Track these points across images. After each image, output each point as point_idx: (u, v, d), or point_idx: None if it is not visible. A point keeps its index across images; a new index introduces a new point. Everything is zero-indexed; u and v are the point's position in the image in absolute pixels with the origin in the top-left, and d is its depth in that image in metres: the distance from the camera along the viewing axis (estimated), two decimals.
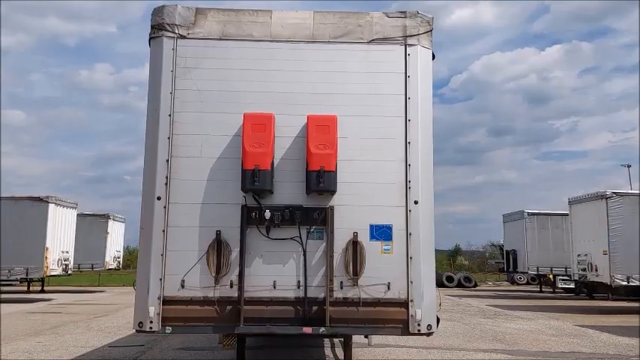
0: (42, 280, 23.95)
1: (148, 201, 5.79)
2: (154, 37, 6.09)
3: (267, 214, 5.69)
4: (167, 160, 5.83)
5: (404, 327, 5.65)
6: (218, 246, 5.71)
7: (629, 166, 43.97)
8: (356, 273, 5.70)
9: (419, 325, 5.62)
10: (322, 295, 5.67)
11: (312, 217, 5.76)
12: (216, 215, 5.78)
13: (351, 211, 5.82)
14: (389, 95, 6.04)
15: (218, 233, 5.73)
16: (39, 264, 21.53)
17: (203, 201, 5.81)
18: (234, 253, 5.72)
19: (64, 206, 23.00)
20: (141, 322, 5.56)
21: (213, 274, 5.66)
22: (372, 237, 5.80)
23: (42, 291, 25.37)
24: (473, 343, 10.47)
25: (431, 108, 6.11)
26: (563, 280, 27.46)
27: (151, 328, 5.53)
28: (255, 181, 5.56)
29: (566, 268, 25.72)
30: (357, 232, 5.78)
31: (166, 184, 5.79)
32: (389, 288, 5.71)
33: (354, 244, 5.75)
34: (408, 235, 5.79)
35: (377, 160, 5.92)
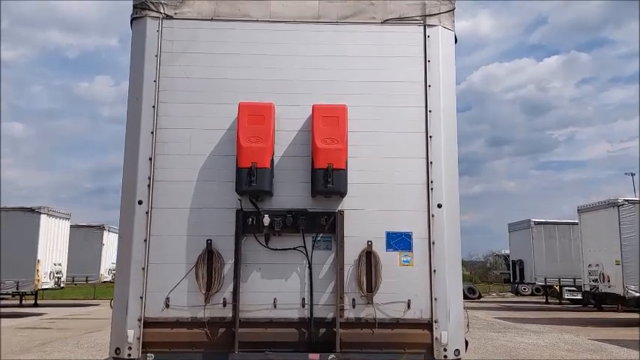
0: (35, 294, 23.33)
1: (128, 206, 5.01)
2: (136, 18, 5.31)
3: (266, 219, 4.89)
4: (150, 159, 5.04)
5: (427, 352, 4.84)
6: (209, 258, 4.92)
7: (632, 175, 43.43)
8: (370, 289, 4.90)
9: (445, 350, 4.80)
10: (331, 315, 4.87)
11: (319, 224, 4.97)
12: (207, 222, 5.00)
13: (364, 217, 5.03)
14: (406, 83, 5.27)
15: (209, 243, 4.94)
16: (30, 277, 21.09)
17: (192, 205, 5.02)
18: (228, 266, 4.93)
19: (56, 217, 22.45)
20: (118, 349, 4.74)
21: (203, 291, 4.86)
22: (389, 247, 5.00)
23: (35, 305, 24.89)
24: None
25: (454, 97, 5.34)
26: (569, 290, 27.04)
27: (129, 355, 4.71)
28: (252, 182, 4.76)
29: (574, 278, 25.56)
30: (371, 241, 4.97)
31: (149, 185, 5.01)
32: (409, 306, 4.90)
33: (368, 255, 4.95)
34: (430, 244, 4.99)
35: (393, 157, 5.14)
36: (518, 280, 29.72)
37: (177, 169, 5.07)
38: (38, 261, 21.10)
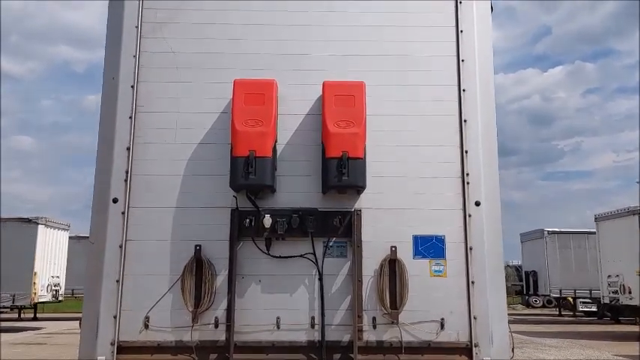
0: (34, 307, 22.70)
1: (100, 204, 4.20)
2: None
3: (267, 221, 4.05)
4: (128, 148, 4.23)
5: None
6: (197, 267, 4.09)
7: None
8: (395, 305, 4.04)
9: None
10: (347, 338, 4.03)
11: (332, 226, 4.14)
12: (196, 224, 4.19)
13: (387, 217, 4.19)
14: (435, 57, 4.46)
15: (198, 249, 4.11)
16: (26, 290, 20.40)
17: (177, 204, 4.20)
18: (221, 278, 4.11)
19: (54, 228, 21.74)
20: None
21: (191, 309, 4.02)
22: (417, 253, 4.14)
23: (34, 318, 24.24)
24: None
25: (492, 74, 4.51)
26: (584, 302, 26.13)
27: None
28: (249, 174, 3.92)
29: (590, 290, 24.80)
30: (395, 247, 4.12)
31: (126, 180, 4.19)
32: (443, 327, 4.04)
33: (392, 264, 4.11)
34: (467, 250, 4.14)
35: (420, 144, 4.32)
36: (531, 291, 29.04)
37: (161, 160, 4.27)
38: (35, 273, 20.45)
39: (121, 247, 4.09)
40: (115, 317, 3.99)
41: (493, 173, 4.31)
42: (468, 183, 4.23)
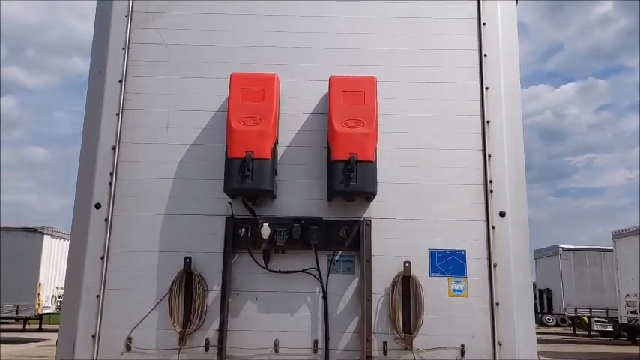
0: (40, 318, 22.30)
1: (82, 211, 3.80)
2: None
3: (266, 230, 3.61)
4: (113, 148, 3.84)
5: None
6: (187, 282, 3.66)
7: None
8: (409, 328, 3.57)
9: None
10: None
11: (338, 237, 3.70)
12: (186, 233, 3.77)
13: (400, 228, 3.75)
14: (455, 52, 4.04)
15: (187, 262, 3.68)
16: (30, 301, 20.10)
17: (166, 211, 3.79)
18: (213, 295, 3.67)
19: (61, 238, 21.41)
20: None
21: (179, 329, 3.58)
22: (435, 270, 3.68)
23: (39, 329, 23.90)
24: None
25: (518, 71, 4.08)
26: (599, 322, 25.47)
27: None
28: (246, 178, 3.49)
29: (607, 309, 24.28)
30: (409, 262, 3.67)
31: (111, 184, 3.79)
32: (463, 353, 3.57)
33: (406, 281, 3.65)
34: (491, 266, 3.68)
35: (438, 148, 3.88)
36: (545, 310, 28.43)
37: (149, 162, 3.87)
38: (39, 284, 20.17)
39: (102, 258, 3.67)
40: (93, 337, 3.56)
41: (519, 180, 3.85)
42: (491, 191, 3.77)
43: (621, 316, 20.15)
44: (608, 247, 21.93)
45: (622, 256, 19.74)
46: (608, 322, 24.04)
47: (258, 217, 3.69)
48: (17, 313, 20.19)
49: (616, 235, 20.25)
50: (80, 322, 3.59)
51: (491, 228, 3.72)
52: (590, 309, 25.41)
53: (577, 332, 27.27)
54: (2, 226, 20.47)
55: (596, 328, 25.49)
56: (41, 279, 20.26)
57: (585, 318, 26.01)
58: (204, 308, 3.63)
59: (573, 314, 26.37)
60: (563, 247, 26.49)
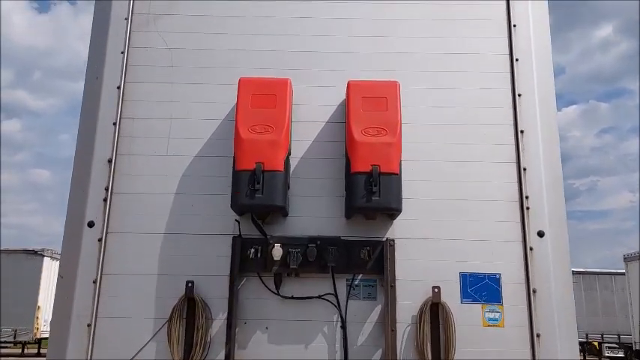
0: (38, 343, 21.87)
1: (73, 230, 3.43)
2: None
3: (277, 251, 3.23)
4: (110, 160, 3.49)
5: None
6: (189, 309, 3.28)
7: None
8: None
9: None
10: None
11: (358, 259, 3.31)
12: (188, 254, 3.39)
13: (427, 249, 3.36)
14: (483, 55, 3.71)
15: (190, 286, 3.29)
16: (29, 325, 19.70)
17: (166, 229, 3.42)
18: (218, 323, 3.28)
19: None
20: None
21: None
22: (466, 296, 3.29)
23: (38, 354, 23.36)
24: None
25: (552, 77, 3.74)
26: (610, 347, 24.84)
27: None
28: (255, 192, 3.12)
29: (619, 335, 23.86)
30: (438, 288, 3.28)
31: (105, 199, 3.42)
32: None
33: (435, 309, 3.26)
34: (530, 292, 3.28)
35: (468, 160, 3.52)
36: None
37: (149, 175, 3.51)
38: (38, 307, 19.83)
39: (95, 282, 3.30)
40: None
41: (558, 196, 3.48)
42: (527, 208, 3.40)
43: (635, 342, 19.62)
44: (620, 271, 21.45)
45: (634, 279, 19.44)
46: (619, 348, 23.49)
47: (268, 237, 3.32)
48: (15, 338, 19.87)
49: (628, 258, 19.86)
50: (69, 353, 3.21)
51: (528, 249, 3.34)
52: (602, 334, 24.80)
53: (587, 358, 26.80)
54: (2, 248, 20.24)
55: (607, 354, 24.83)
56: (40, 302, 19.97)
57: (596, 344, 25.31)
58: (208, 339, 3.24)
59: (584, 339, 25.80)
60: (573, 271, 25.97)
